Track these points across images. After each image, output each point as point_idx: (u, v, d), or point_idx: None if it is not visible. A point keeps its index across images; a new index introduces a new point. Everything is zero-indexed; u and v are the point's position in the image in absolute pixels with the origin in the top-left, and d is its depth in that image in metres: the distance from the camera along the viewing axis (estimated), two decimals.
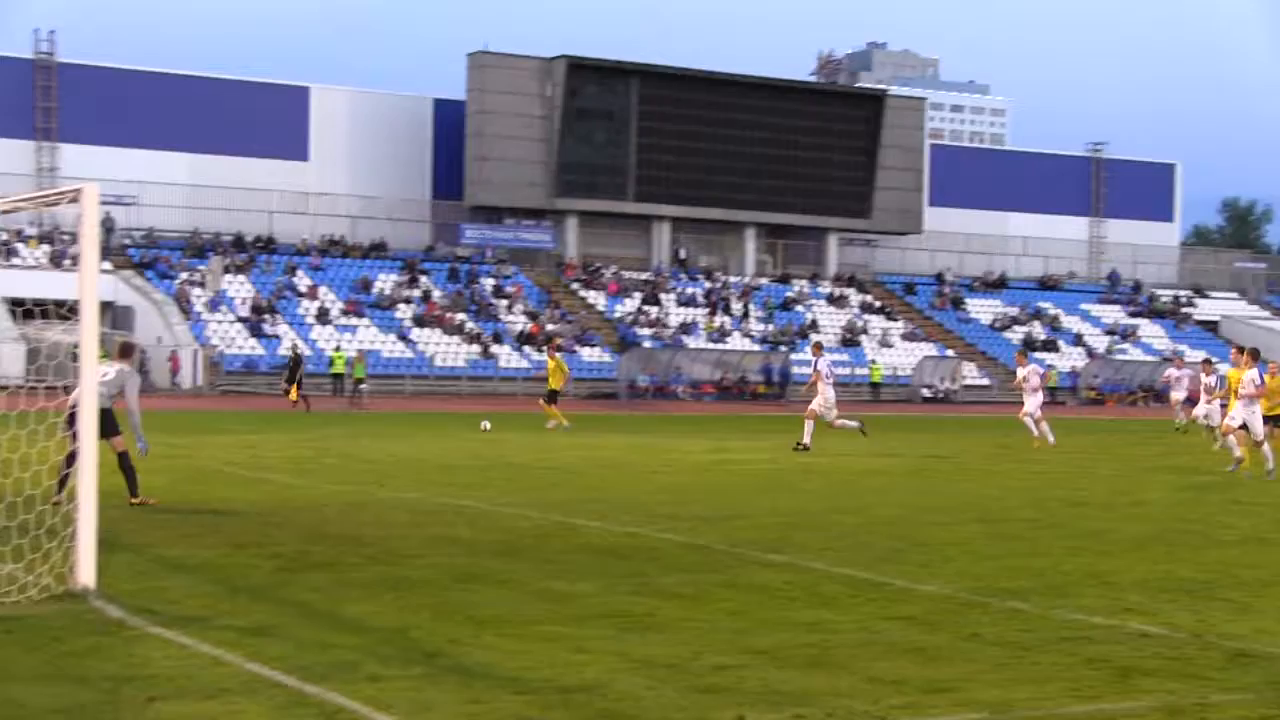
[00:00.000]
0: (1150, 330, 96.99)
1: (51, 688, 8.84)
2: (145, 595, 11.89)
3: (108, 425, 17.62)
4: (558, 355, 45.57)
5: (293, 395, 52.50)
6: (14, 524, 13.13)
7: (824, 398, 32.75)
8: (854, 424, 34.54)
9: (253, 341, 72.52)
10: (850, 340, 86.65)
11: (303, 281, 78.42)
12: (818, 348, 35.62)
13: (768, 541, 15.99)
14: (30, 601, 11.43)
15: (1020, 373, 36.90)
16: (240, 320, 73.58)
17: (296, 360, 54.81)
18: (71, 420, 17.37)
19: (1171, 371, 48.91)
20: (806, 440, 31.63)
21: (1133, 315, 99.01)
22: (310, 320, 75.37)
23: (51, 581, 11.81)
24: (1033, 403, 36.01)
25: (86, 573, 11.83)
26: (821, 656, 10.08)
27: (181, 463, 25.97)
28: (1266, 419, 27.26)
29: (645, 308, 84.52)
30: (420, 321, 77.47)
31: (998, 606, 12.09)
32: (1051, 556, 15.25)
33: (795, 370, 78.85)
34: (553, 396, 42.52)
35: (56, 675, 9.16)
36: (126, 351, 19.48)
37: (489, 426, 39.55)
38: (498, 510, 18.86)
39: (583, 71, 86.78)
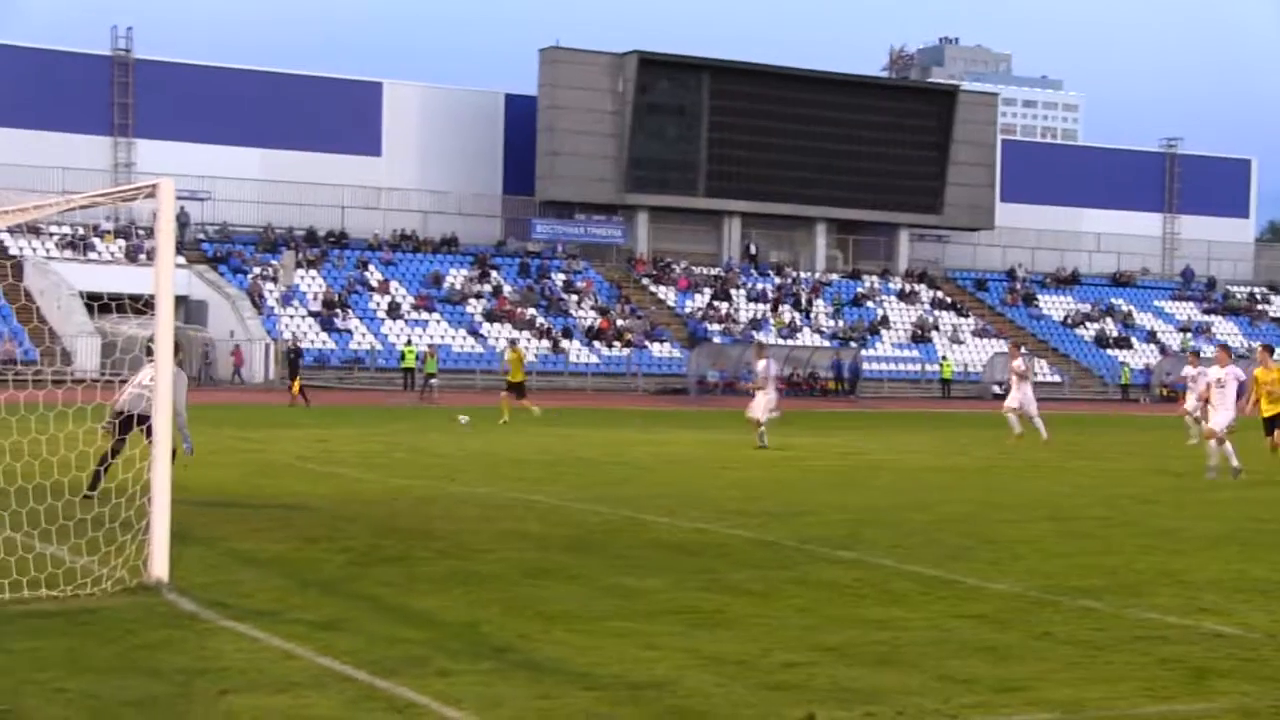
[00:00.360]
0: (1224, 327, 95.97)
1: (125, 680, 8.92)
2: (217, 589, 11.97)
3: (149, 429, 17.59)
4: (518, 348, 46.01)
5: (294, 390, 51.03)
6: (89, 517, 13.28)
7: (768, 398, 31.60)
8: (762, 423, 31.61)
9: (324, 336, 72.94)
10: (921, 336, 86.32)
11: (374, 276, 78.77)
12: (760, 349, 34.76)
13: (837, 538, 15.93)
14: (105, 594, 11.54)
15: (1017, 364, 35.46)
16: (312, 314, 74.04)
17: (296, 354, 54.27)
18: (119, 420, 17.54)
19: (1188, 370, 37.67)
20: (763, 441, 30.97)
21: (1206, 312, 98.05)
22: (381, 315, 75.68)
23: (125, 574, 11.92)
24: (1019, 395, 34.61)
25: (160, 566, 11.93)
26: (891, 654, 10.03)
27: (253, 457, 26.17)
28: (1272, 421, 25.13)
29: (715, 303, 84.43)
30: (490, 316, 77.68)
31: (1069, 605, 11.99)
32: (1124, 555, 15.11)
33: (866, 367, 78.66)
34: (519, 389, 42.44)
35: (130, 667, 9.24)
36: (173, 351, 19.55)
37: (467, 421, 38.26)
38: (567, 505, 18.89)
39: (654, 67, 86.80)
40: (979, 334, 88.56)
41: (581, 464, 26.41)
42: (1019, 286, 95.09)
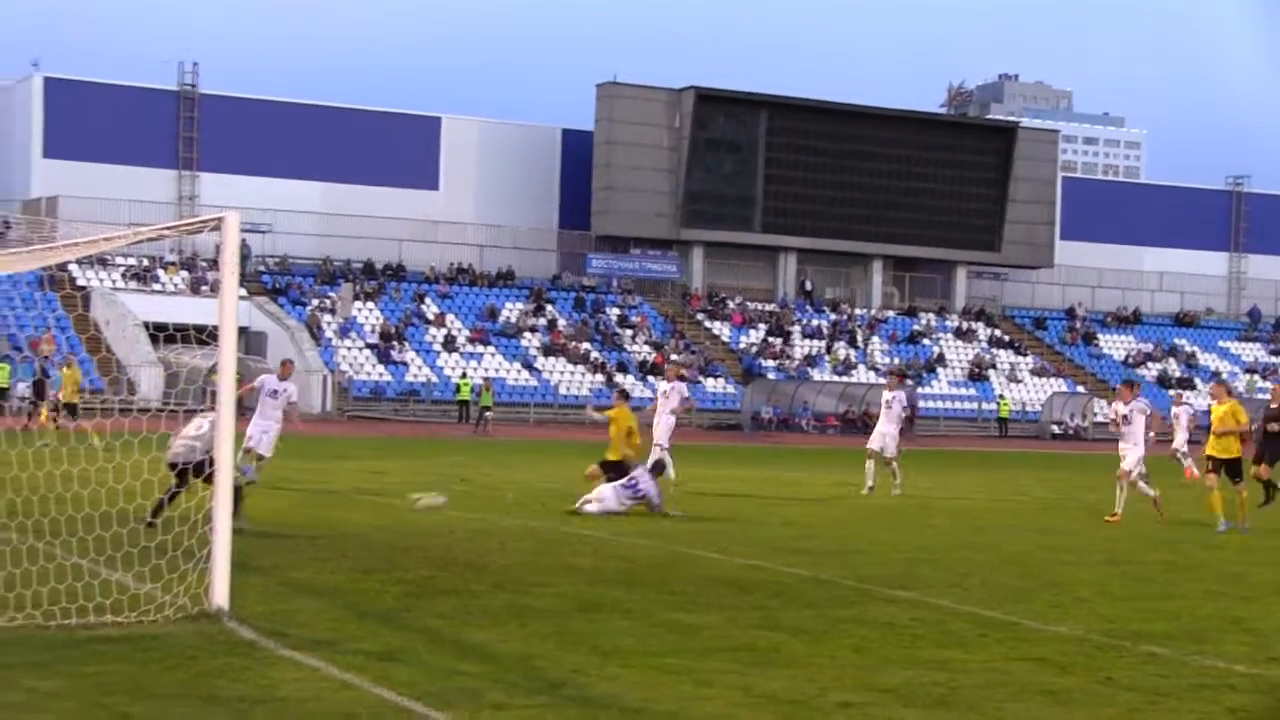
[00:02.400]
0: None
1: (187, 706, 9.01)
2: (276, 618, 12.07)
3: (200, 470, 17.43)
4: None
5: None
6: (153, 544, 13.41)
7: (664, 427, 29.03)
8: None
9: (380, 368, 73.14)
10: (977, 374, 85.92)
11: (430, 309, 78.96)
12: (674, 370, 32.48)
13: (893, 577, 15.87)
14: (167, 620, 11.65)
15: (888, 395, 31.06)
16: (369, 346, 74.22)
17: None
18: (174, 472, 17.53)
19: (1179, 412, 37.17)
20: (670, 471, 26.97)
21: (1274, 354, 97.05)
22: (437, 347, 75.82)
23: (187, 601, 12.03)
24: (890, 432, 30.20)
25: (220, 594, 12.03)
26: (949, 696, 9.98)
27: (310, 487, 26.30)
28: (1222, 462, 23.75)
29: (770, 339, 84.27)
30: (546, 350, 77.66)
31: (1132, 650, 11.88)
32: (1188, 600, 14.97)
33: (922, 404, 78.24)
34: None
35: (191, 694, 9.33)
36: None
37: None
38: (619, 540, 18.90)
39: (711, 102, 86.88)
40: (1037, 373, 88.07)
41: None
42: (1079, 325, 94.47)
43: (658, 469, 24.21)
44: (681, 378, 31.57)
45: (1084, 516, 25.55)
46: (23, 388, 57.97)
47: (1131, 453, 24.93)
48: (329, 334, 73.81)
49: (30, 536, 14.43)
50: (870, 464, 29.36)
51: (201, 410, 18.09)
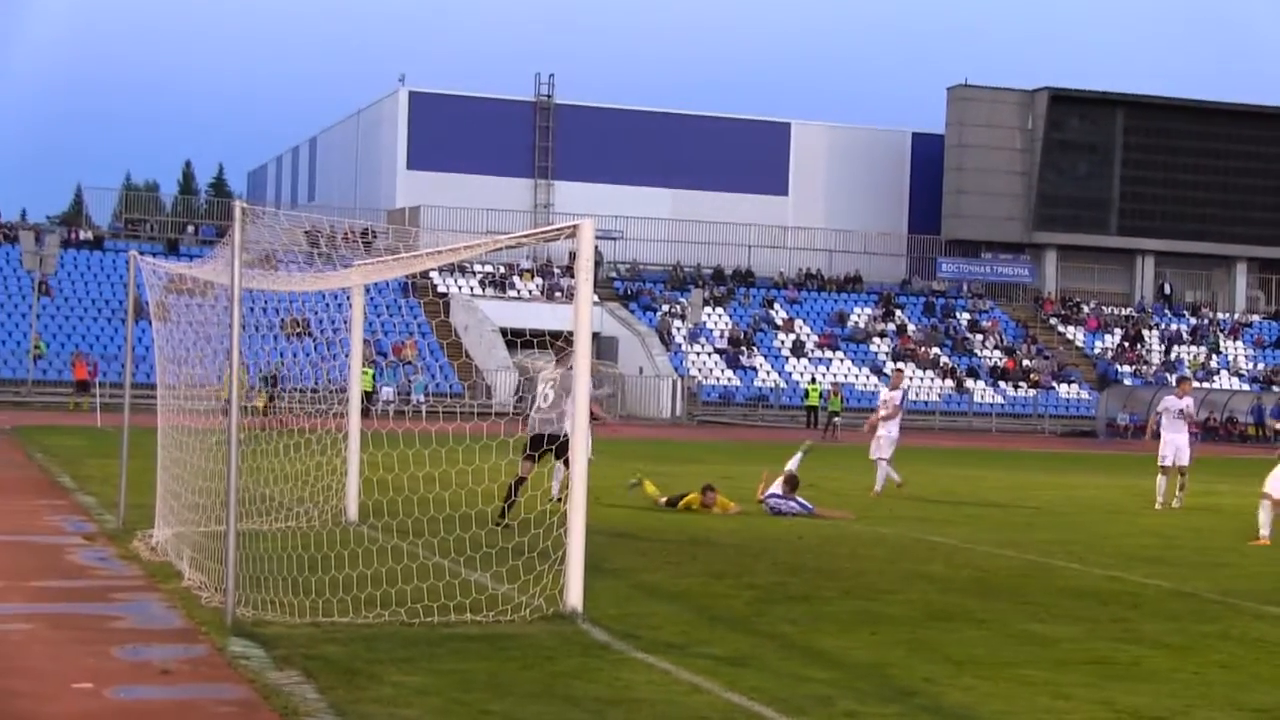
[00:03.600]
0: None
1: (545, 705, 9.22)
2: (628, 620, 12.25)
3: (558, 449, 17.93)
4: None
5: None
6: (509, 546, 13.80)
7: (889, 438, 27.51)
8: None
9: (729, 373, 73.69)
10: None
11: (779, 314, 79.30)
12: (899, 378, 30.47)
13: (1263, 592, 15.22)
14: (524, 621, 11.96)
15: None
16: (718, 352, 74.84)
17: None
18: (532, 446, 18.08)
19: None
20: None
21: None
22: (785, 353, 76.12)
23: (543, 603, 12.33)
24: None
25: (575, 596, 12.27)
26: None
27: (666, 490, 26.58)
28: None
29: (1126, 344, 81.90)
30: (895, 355, 77.11)
31: None
32: None
33: None
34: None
35: (549, 693, 9.55)
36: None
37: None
38: (972, 548, 18.61)
39: (1065, 103, 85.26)
40: None
41: (986, 506, 25.95)
42: None
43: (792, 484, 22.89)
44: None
45: None
46: (389, 392, 60.98)
47: None
48: (679, 339, 74.76)
49: (395, 536, 15.01)
50: (1162, 479, 27.07)
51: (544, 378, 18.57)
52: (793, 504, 22.35)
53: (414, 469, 14.50)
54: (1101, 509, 26.35)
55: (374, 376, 59.77)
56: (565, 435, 16.91)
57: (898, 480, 27.61)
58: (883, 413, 28.06)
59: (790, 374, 74.21)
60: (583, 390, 12.52)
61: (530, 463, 18.11)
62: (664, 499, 22.45)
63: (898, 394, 28.54)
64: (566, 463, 14.43)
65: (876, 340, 78.62)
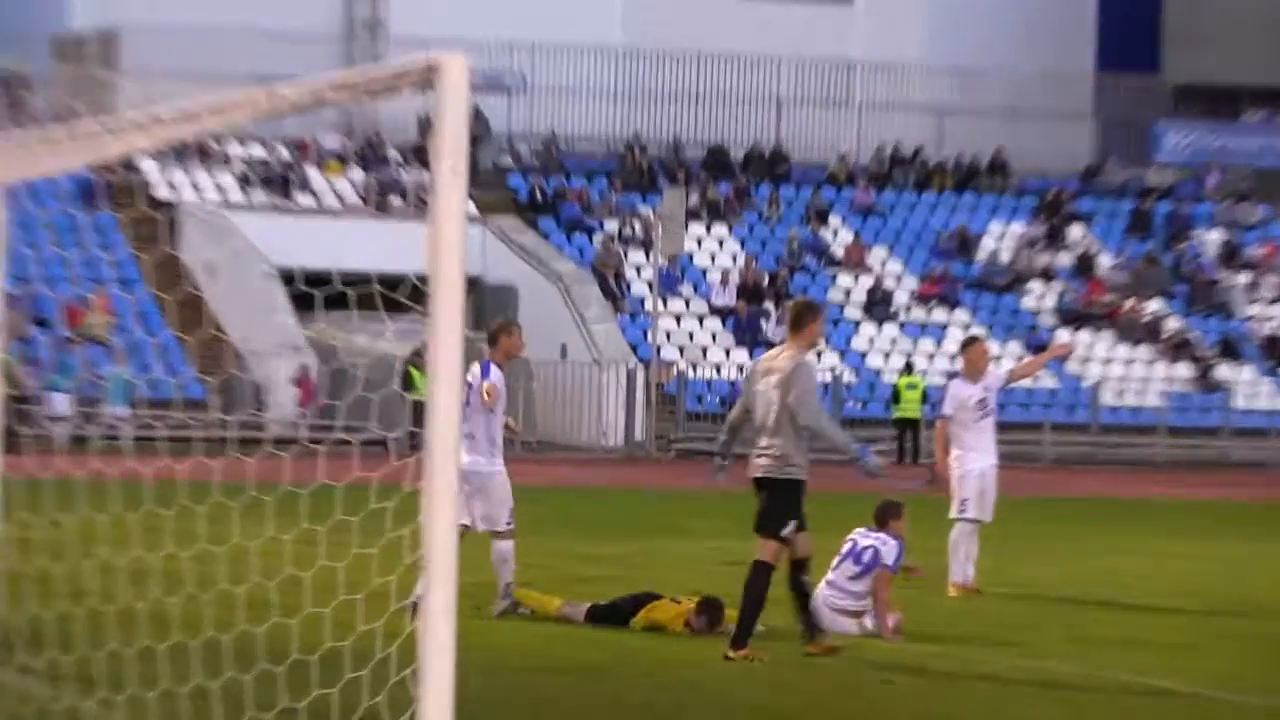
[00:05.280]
0: None
1: None
2: None
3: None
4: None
5: None
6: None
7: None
8: None
9: (739, 354, 52.38)
10: None
11: (840, 236, 57.39)
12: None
13: None
14: None
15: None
16: (716, 314, 53.43)
17: None
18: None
19: None
20: None
21: None
22: (853, 313, 54.38)
23: None
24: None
25: None
26: None
27: None
28: None
29: None
30: (1066, 316, 55.21)
31: None
32: None
33: None
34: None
35: None
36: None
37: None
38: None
39: None
40: None
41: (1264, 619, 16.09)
42: None
43: None
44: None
45: None
46: (60, 400, 51.49)
47: None
48: (639, 289, 54.08)
49: (61, 691, 11.02)
50: None
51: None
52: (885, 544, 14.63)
53: (108, 553, 10.09)
54: None
55: (22, 368, 44.31)
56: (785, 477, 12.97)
57: (965, 578, 16.92)
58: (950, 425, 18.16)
59: (862, 355, 49.85)
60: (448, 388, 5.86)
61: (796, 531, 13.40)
62: (586, 608, 15.06)
63: (978, 388, 18.05)
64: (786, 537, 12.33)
65: (1036, 287, 52.05)
